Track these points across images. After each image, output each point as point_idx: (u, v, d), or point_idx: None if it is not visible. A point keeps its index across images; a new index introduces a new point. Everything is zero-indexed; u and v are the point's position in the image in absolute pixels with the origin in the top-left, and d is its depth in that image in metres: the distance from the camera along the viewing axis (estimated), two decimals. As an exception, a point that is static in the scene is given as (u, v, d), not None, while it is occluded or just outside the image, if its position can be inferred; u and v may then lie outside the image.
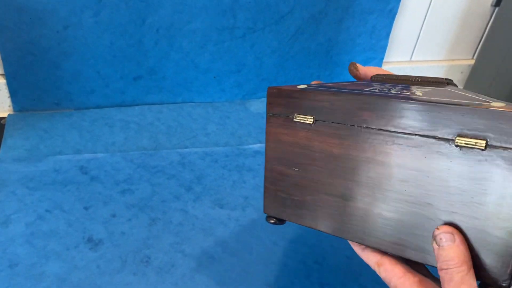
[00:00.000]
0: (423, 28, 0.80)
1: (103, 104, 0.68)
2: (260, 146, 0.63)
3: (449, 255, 0.28)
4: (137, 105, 0.69)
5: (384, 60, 0.81)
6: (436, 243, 0.28)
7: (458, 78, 0.88)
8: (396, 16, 0.73)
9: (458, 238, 0.28)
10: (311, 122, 0.33)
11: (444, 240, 0.28)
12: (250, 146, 0.63)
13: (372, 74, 0.37)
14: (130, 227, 0.50)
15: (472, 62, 0.86)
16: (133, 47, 0.64)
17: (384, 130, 0.30)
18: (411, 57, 0.84)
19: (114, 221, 0.50)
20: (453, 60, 0.87)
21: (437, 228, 0.29)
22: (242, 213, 0.53)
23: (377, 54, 0.76)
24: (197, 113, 0.69)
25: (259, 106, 0.73)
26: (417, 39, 0.81)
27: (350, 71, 0.39)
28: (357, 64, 0.39)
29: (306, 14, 0.67)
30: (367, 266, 0.35)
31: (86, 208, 0.51)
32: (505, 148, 0.26)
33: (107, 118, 0.66)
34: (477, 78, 0.84)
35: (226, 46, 0.67)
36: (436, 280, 0.31)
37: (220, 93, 0.72)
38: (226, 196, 0.55)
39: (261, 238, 0.50)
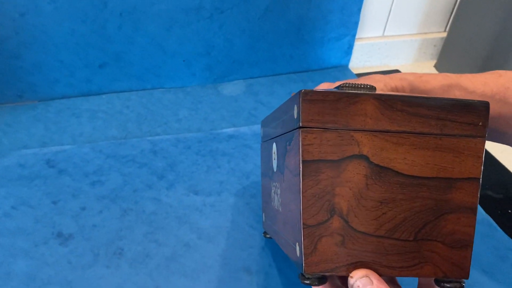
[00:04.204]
0: (394, 2, 0.79)
1: (68, 94, 0.65)
2: (233, 130, 0.62)
3: None
4: (104, 93, 0.67)
5: (356, 37, 0.80)
6: None
7: (431, 52, 0.88)
8: (367, -10, 0.72)
9: (374, 278, 0.26)
10: None
11: (361, 286, 0.25)
12: (224, 130, 0.62)
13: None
14: (102, 219, 0.48)
15: (445, 34, 0.86)
16: (96, 32, 0.61)
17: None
18: (383, 32, 0.83)
19: (84, 214, 0.48)
20: (425, 33, 0.86)
21: (351, 276, 0.26)
22: (218, 198, 0.52)
23: (349, 30, 0.75)
24: (168, 99, 0.67)
25: (231, 89, 0.71)
26: (389, 13, 0.80)
27: None
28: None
29: (274, -9, 0.65)
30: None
31: (54, 203, 0.50)
32: None
33: (73, 108, 0.64)
34: (450, 51, 0.84)
35: (194, 27, 0.64)
36: None
37: (190, 77, 0.70)
38: (201, 182, 0.54)
39: (237, 222, 0.49)
